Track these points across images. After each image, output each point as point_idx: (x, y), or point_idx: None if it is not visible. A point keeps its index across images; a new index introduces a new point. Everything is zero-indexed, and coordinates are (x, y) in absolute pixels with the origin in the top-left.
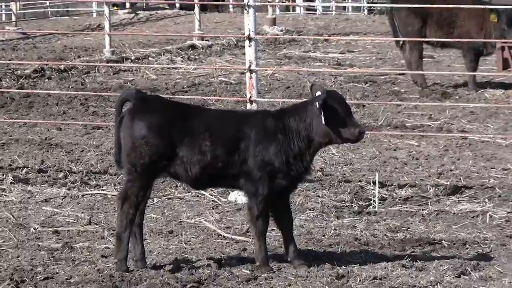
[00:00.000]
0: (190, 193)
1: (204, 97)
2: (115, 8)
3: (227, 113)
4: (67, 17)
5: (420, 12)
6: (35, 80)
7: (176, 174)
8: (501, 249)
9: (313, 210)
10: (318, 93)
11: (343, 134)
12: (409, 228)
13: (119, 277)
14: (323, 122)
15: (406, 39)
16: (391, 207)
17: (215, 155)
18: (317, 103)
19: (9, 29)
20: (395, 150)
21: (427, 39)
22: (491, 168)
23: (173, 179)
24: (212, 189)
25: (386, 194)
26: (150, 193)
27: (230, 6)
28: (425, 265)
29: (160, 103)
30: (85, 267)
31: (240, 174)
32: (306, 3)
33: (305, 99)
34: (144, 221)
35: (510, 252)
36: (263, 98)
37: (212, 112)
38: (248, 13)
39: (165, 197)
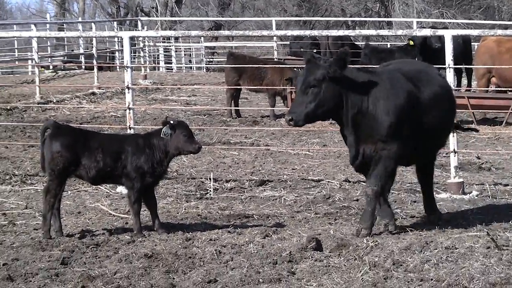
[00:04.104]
0: (91, 187)
1: (100, 126)
2: (42, 69)
3: (113, 136)
4: (12, 75)
5: (237, 69)
6: None
7: (81, 175)
8: (291, 220)
9: (171, 197)
10: (172, 122)
11: (189, 148)
12: (232, 207)
13: (45, 243)
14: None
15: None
16: (221, 194)
17: (105, 163)
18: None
19: None
20: (223, 158)
21: (240, 87)
22: (285, 169)
23: (79, 179)
24: (105, 184)
25: (218, 186)
26: (64, 187)
27: (117, 67)
28: (243, 231)
29: (70, 130)
30: (23, 236)
31: (122, 174)
32: (166, 65)
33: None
34: (61, 206)
35: (296, 222)
36: (138, 126)
37: (104, 135)
38: (127, 71)
39: (75, 190)
